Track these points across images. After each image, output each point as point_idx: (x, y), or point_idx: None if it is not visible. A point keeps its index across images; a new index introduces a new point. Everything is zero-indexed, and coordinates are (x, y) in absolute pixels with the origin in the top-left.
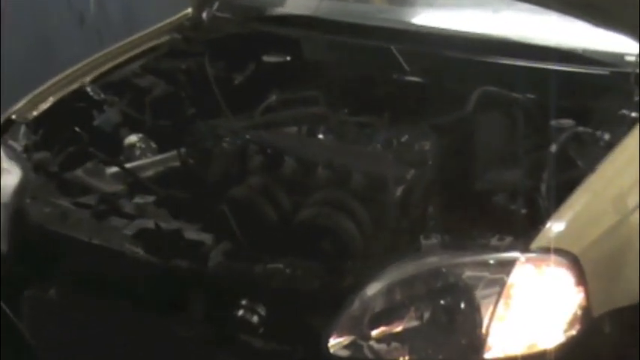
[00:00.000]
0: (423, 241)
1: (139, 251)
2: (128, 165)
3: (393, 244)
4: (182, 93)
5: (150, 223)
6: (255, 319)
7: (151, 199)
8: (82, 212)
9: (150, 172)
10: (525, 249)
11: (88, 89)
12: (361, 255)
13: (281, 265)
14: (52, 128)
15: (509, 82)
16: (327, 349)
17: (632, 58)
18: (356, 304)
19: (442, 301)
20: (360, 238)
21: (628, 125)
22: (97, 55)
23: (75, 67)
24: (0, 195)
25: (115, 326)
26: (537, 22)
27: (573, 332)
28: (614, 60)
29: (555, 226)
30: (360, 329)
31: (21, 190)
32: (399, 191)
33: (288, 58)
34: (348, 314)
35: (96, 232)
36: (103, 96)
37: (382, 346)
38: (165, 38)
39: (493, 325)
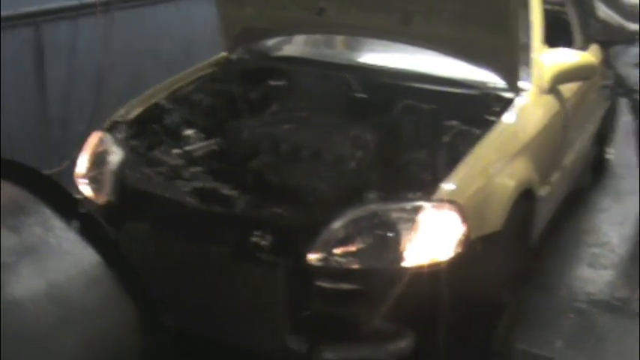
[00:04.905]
0: (367, 195)
1: (193, 201)
2: (186, 148)
3: (349, 197)
4: (219, 104)
5: (199, 184)
6: (264, 242)
7: (199, 169)
8: (158, 177)
9: (199, 153)
10: (429, 200)
11: (162, 102)
12: (329, 203)
13: (280, 210)
14: (140, 125)
15: (420, 98)
16: (308, 260)
17: (492, 85)
18: (326, 233)
19: (378, 232)
20: (329, 193)
21: (489, 125)
22: (166, 81)
23: (154, 88)
24: (110, 166)
25: (177, 246)
26: (438, 62)
27: (459, 250)
28: (482, 86)
29: (448, 186)
30: (328, 249)
31: (122, 163)
32: (352, 164)
33: (285, 82)
34: (321, 239)
35: (167, 189)
36: (170, 106)
37: (342, 259)
38: (209, 70)
39: (409, 246)
